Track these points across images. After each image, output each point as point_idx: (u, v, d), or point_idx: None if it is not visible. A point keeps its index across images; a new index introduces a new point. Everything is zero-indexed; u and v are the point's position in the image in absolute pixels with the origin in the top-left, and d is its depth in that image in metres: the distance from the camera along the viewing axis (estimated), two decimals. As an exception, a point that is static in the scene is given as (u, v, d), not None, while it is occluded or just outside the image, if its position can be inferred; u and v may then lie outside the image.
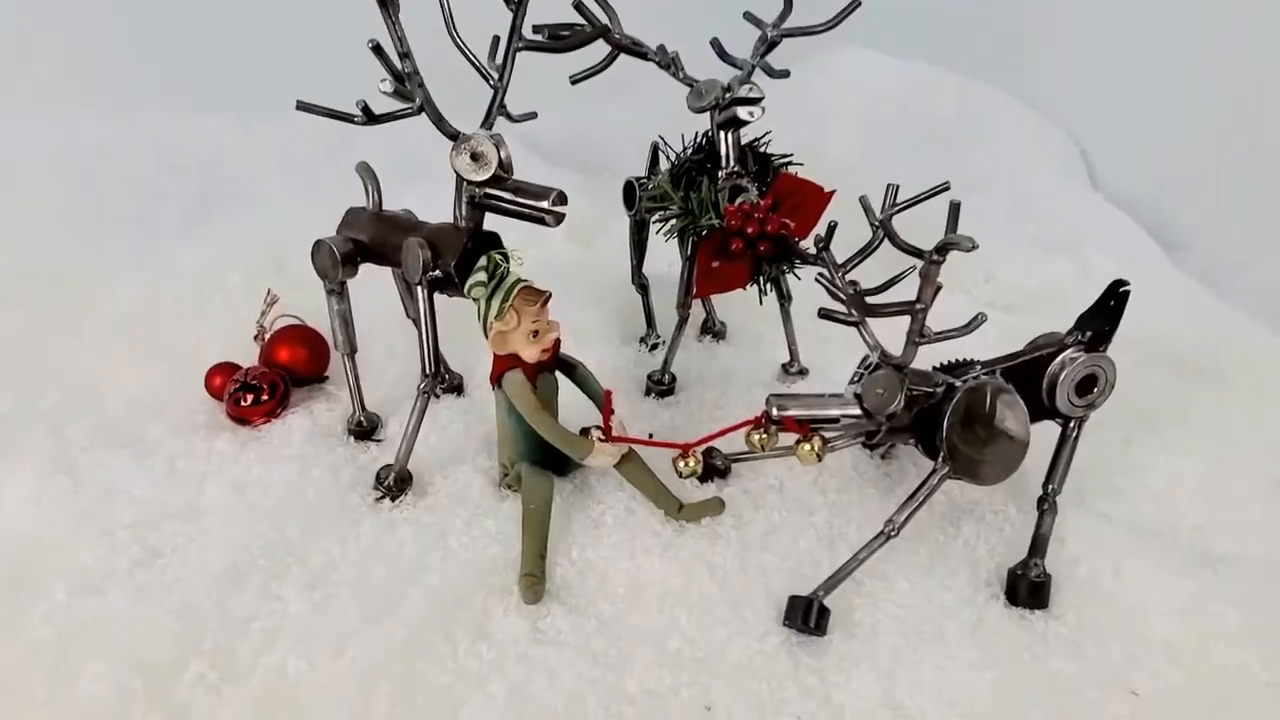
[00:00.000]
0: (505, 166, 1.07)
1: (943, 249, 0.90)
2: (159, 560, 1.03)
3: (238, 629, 0.94)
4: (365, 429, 1.26)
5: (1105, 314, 1.08)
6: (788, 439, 1.06)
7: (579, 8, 1.25)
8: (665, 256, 1.59)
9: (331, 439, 1.24)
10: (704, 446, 1.11)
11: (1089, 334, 1.08)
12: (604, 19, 1.26)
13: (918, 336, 0.97)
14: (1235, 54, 1.73)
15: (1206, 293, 1.59)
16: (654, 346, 1.50)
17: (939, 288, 0.96)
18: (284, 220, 1.65)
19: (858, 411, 1.03)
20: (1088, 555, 1.05)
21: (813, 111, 1.99)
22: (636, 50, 1.30)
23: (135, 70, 1.88)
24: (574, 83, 1.32)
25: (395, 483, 1.14)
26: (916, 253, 0.92)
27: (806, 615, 0.95)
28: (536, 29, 1.22)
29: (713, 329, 1.56)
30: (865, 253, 1.08)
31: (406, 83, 1.02)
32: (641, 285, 1.53)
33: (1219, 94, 1.77)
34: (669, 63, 1.31)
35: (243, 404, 1.26)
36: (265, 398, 1.27)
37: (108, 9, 1.88)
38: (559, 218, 1.07)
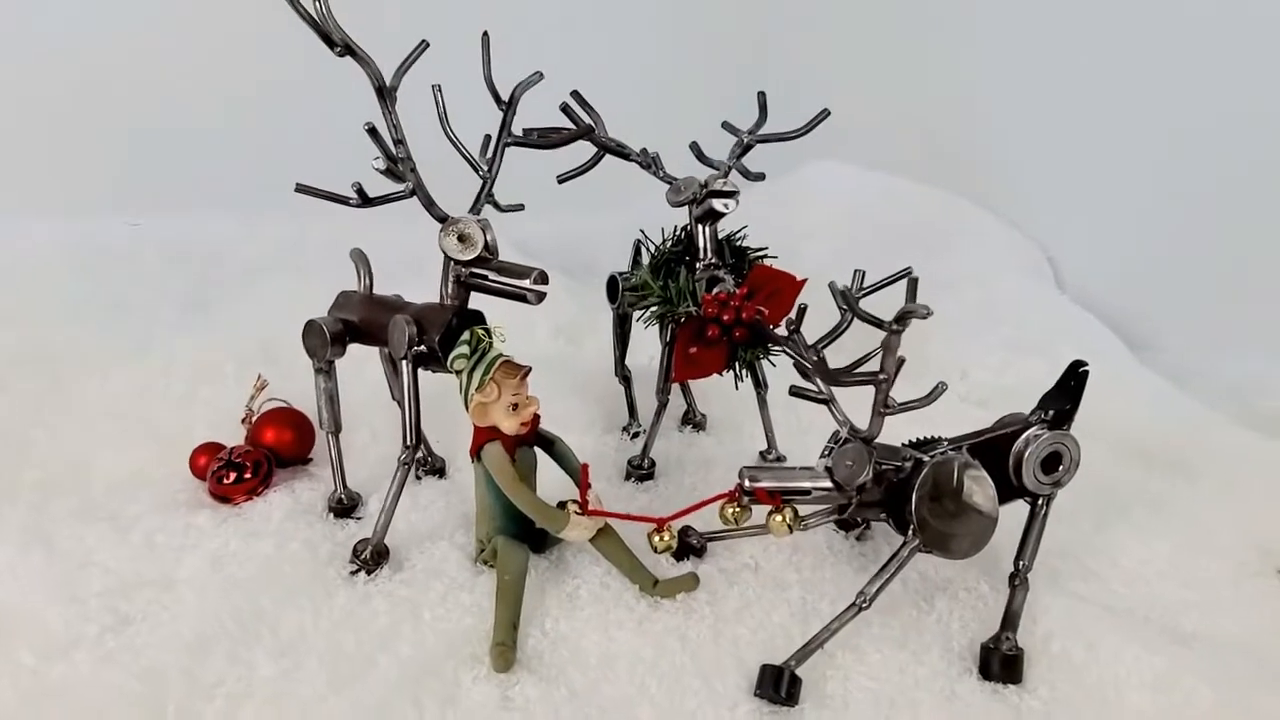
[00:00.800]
0: (490, 248, 1.13)
1: (901, 318, 0.94)
2: (129, 627, 1.02)
3: (203, 694, 0.93)
4: (346, 507, 1.27)
5: (1067, 393, 1.12)
6: (761, 518, 1.08)
7: (565, 110, 1.34)
8: (647, 350, 1.64)
9: (311, 516, 1.25)
10: (679, 522, 1.13)
11: (1051, 413, 1.12)
12: (589, 121, 1.35)
13: (882, 407, 1.00)
14: (1193, 166, 1.84)
15: (1174, 389, 1.64)
16: (635, 435, 1.53)
17: (902, 360, 1.00)
18: (280, 313, 1.69)
19: (829, 484, 1.05)
20: (1060, 633, 1.05)
21: (791, 221, 2.08)
22: (620, 151, 1.38)
23: (141, 168, 1.97)
24: (561, 182, 1.40)
25: (372, 557, 1.14)
26: (877, 323, 0.96)
27: (777, 684, 0.95)
28: (526, 131, 1.31)
29: (693, 420, 1.59)
30: (835, 333, 1.13)
31: (399, 165, 1.08)
32: (624, 377, 1.57)
33: (1180, 203, 1.86)
34: (650, 162, 1.39)
35: (225, 482, 1.27)
36: (248, 476, 1.28)
37: (113, 111, 2.00)
38: (540, 296, 1.12)
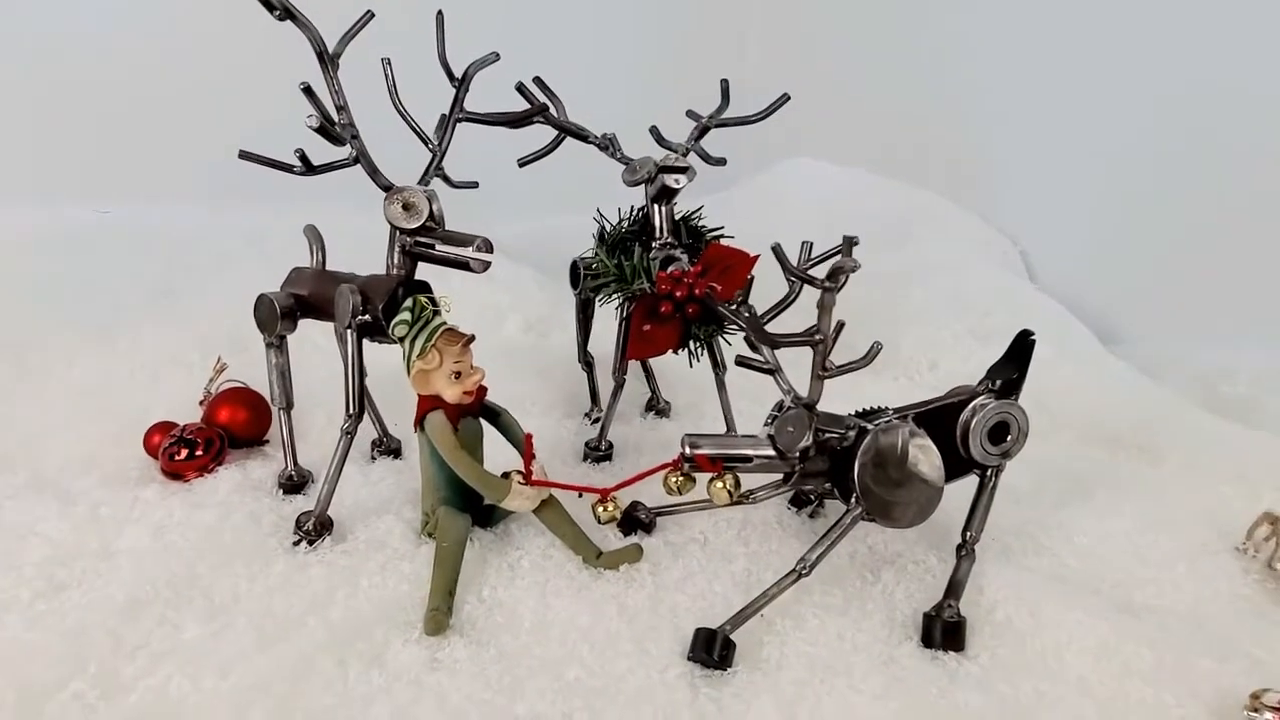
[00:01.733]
0: (436, 218, 1.13)
1: (833, 274, 0.93)
2: (62, 593, 1.01)
3: (126, 653, 0.92)
4: (296, 483, 1.26)
5: (1014, 363, 1.11)
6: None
7: (521, 89, 1.34)
8: (610, 337, 1.63)
9: (260, 491, 1.24)
10: (623, 492, 1.11)
11: (999, 382, 1.11)
12: (544, 100, 1.35)
13: (821, 370, 0.99)
14: (1165, 162, 1.84)
15: (1142, 378, 1.62)
16: (596, 420, 1.52)
17: (841, 324, 0.99)
18: (246, 302, 1.70)
19: (770, 451, 1.04)
20: (1005, 601, 1.03)
21: (765, 217, 2.08)
22: (578, 133, 1.39)
23: (111, 157, 1.99)
24: (521, 165, 1.40)
25: (314, 527, 1.13)
26: (811, 281, 0.95)
27: (710, 647, 0.93)
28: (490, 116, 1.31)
29: (657, 407, 1.58)
30: (783, 304, 1.12)
31: (338, 129, 1.08)
32: (586, 362, 1.57)
33: (1150, 199, 1.86)
34: (608, 144, 1.39)
35: (177, 458, 1.27)
36: (200, 453, 1.28)
37: (83, 99, 2.02)
38: (484, 265, 1.12)
